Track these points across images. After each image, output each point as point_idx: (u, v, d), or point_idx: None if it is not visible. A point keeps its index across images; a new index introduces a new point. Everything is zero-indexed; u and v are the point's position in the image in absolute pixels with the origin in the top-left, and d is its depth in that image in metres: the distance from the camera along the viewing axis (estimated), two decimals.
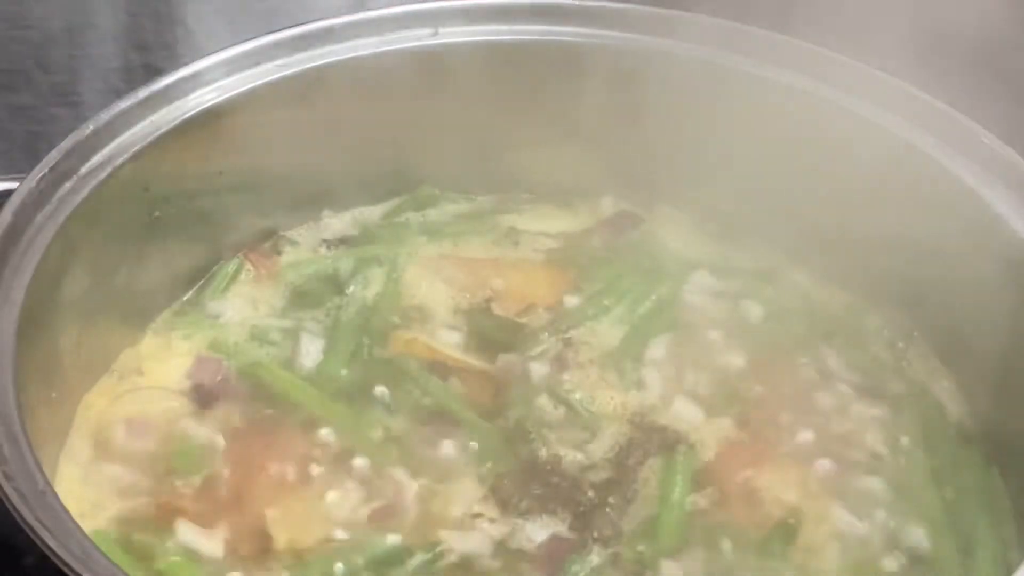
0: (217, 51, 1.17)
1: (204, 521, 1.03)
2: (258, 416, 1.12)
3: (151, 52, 1.34)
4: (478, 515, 1.04)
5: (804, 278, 1.27)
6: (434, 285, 1.26)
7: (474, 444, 1.10)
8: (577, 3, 1.25)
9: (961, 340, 1.17)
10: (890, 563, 1.04)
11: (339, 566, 1.01)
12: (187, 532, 1.02)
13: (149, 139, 1.11)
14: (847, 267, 1.24)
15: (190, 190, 1.18)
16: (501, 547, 1.03)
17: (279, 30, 1.19)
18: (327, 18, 1.21)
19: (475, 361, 1.18)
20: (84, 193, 1.06)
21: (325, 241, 1.30)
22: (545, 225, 1.33)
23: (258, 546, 1.02)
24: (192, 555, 1.01)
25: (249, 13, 1.17)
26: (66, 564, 0.81)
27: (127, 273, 1.15)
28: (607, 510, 1.05)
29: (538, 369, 1.16)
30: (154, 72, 1.26)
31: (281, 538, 1.02)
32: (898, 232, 1.17)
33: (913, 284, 1.19)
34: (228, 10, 1.28)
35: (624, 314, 1.23)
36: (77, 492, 1.05)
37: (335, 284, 1.25)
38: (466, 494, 1.06)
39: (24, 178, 1.04)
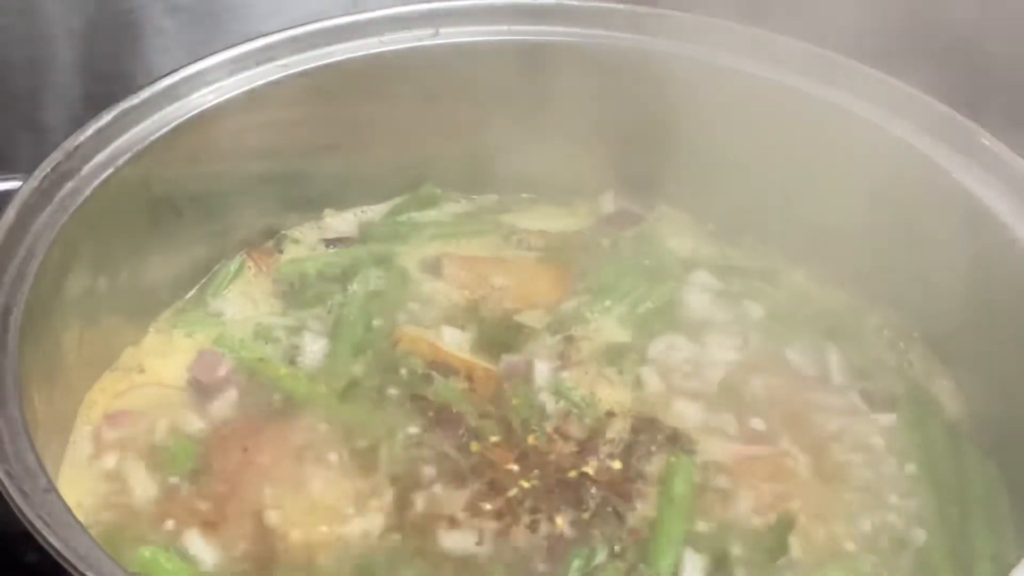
0: (218, 52, 1.17)
1: (206, 518, 1.04)
2: (260, 412, 1.13)
3: (114, 82, 1.36)
4: (480, 510, 1.05)
5: (804, 278, 1.28)
6: (436, 284, 1.26)
7: (476, 441, 1.10)
8: (577, 3, 1.25)
9: (961, 340, 1.17)
10: (889, 560, 1.04)
11: (343, 563, 1.01)
12: (189, 532, 1.03)
13: (151, 139, 1.12)
14: (847, 267, 1.24)
15: (192, 190, 1.19)
16: (503, 542, 1.03)
17: (280, 31, 1.20)
18: (328, 19, 1.21)
19: (477, 359, 1.18)
20: (87, 193, 1.07)
21: (327, 240, 1.31)
22: (546, 224, 1.33)
23: (262, 544, 1.03)
24: (192, 554, 1.02)
25: (210, 45, 1.19)
26: (69, 563, 0.81)
27: (129, 272, 1.15)
28: (609, 508, 1.05)
29: (540, 367, 1.16)
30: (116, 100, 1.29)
31: (284, 534, 1.03)
32: (897, 233, 1.17)
33: (913, 284, 1.19)
34: (189, 44, 1.30)
35: (625, 313, 1.23)
36: (80, 490, 1.05)
37: (337, 282, 1.25)
38: (469, 490, 1.06)
39: (27, 178, 1.04)
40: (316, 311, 1.22)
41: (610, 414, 1.13)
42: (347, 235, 1.31)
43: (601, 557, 1.02)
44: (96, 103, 1.25)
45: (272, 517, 1.04)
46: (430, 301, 1.24)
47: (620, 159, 1.31)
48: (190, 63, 1.16)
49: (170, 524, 1.04)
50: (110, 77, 1.32)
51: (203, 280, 1.25)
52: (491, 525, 1.04)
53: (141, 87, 1.13)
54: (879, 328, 1.23)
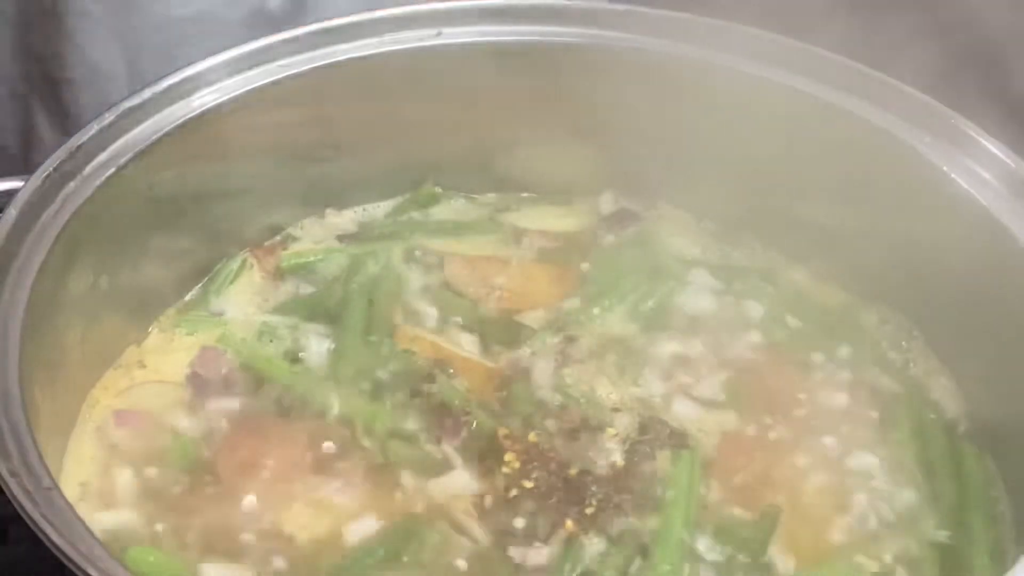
0: (219, 52, 1.17)
1: (208, 516, 1.04)
2: (262, 410, 1.13)
3: (46, 62, 1.45)
4: (481, 509, 1.05)
5: (803, 277, 1.28)
6: (437, 283, 1.26)
7: (478, 439, 1.10)
8: (577, 4, 1.25)
9: (961, 340, 1.17)
10: (888, 557, 1.05)
11: (344, 563, 1.02)
12: (191, 530, 1.03)
13: (152, 139, 1.12)
14: (846, 266, 1.25)
15: (193, 189, 1.19)
16: (504, 540, 1.03)
17: (282, 31, 1.20)
18: (329, 19, 1.22)
19: (479, 358, 1.18)
20: (88, 192, 1.07)
21: (329, 239, 1.31)
22: (546, 224, 1.34)
23: (264, 542, 1.03)
24: (193, 554, 1.02)
25: (136, 29, 1.21)
26: (71, 561, 0.81)
27: (131, 271, 1.16)
28: (611, 505, 1.05)
29: (541, 366, 1.17)
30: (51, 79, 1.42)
31: (285, 533, 1.03)
32: (897, 232, 1.17)
33: (912, 284, 1.19)
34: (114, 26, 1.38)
35: (625, 312, 1.23)
36: (82, 487, 1.06)
37: (339, 281, 1.26)
38: (470, 488, 1.07)
39: (29, 178, 1.05)
40: (318, 310, 1.23)
41: (612, 412, 1.13)
42: (349, 234, 1.32)
43: (601, 553, 1.02)
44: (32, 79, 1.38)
45: (274, 515, 1.04)
46: (432, 300, 1.25)
47: (620, 159, 1.31)
48: (191, 64, 1.16)
49: (172, 523, 1.04)
50: (44, 57, 1.42)
51: (205, 279, 1.25)
52: (493, 523, 1.04)
53: (143, 88, 1.13)
54: (879, 327, 1.23)
